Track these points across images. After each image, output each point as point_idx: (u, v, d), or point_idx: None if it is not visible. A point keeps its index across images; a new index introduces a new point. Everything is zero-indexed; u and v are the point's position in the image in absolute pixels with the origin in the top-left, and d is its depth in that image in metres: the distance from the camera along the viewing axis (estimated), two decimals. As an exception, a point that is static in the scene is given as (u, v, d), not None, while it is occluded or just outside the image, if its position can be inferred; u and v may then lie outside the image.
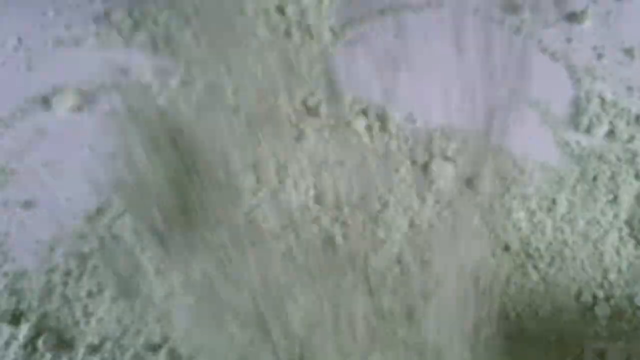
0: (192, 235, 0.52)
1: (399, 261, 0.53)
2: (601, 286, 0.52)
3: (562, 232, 0.55)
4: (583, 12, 0.70)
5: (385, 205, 0.56)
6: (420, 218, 0.55)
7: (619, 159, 0.59)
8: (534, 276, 0.52)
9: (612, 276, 0.52)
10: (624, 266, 0.52)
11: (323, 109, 0.62)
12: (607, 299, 0.51)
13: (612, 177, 0.57)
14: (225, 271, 0.51)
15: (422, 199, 0.56)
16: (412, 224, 0.55)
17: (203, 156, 0.53)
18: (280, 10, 0.68)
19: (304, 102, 0.64)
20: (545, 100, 0.64)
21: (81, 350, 0.50)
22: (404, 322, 0.50)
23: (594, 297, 0.51)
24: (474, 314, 0.50)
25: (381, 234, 0.55)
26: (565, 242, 0.54)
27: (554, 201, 0.57)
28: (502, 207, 0.56)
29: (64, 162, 0.61)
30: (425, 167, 0.58)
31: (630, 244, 0.53)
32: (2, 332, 0.52)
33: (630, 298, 0.51)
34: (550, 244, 0.54)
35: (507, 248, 0.54)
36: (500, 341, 0.49)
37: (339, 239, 0.54)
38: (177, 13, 0.68)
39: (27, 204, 0.59)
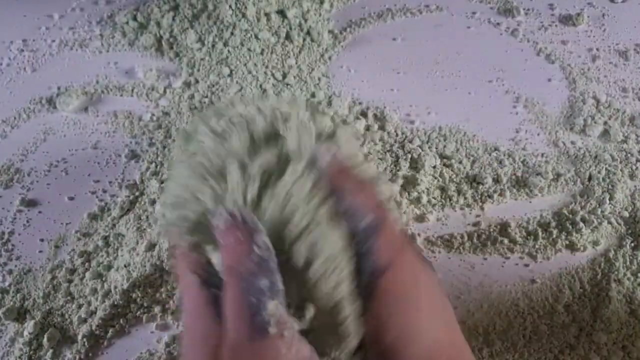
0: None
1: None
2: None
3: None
4: (578, 15, 0.70)
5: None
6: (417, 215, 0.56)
7: (613, 159, 0.59)
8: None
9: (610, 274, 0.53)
10: (620, 263, 0.53)
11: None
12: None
13: (607, 177, 0.58)
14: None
15: (419, 197, 0.57)
16: (409, 221, 0.56)
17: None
18: (282, 13, 0.69)
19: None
20: (540, 101, 0.64)
21: (85, 347, 0.51)
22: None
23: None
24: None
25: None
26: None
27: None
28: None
29: (69, 162, 0.62)
30: (423, 166, 0.59)
31: (627, 242, 0.54)
32: (7, 329, 0.52)
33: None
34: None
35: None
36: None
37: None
38: (180, 16, 0.69)
39: (32, 203, 0.59)
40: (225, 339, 0.30)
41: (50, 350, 0.51)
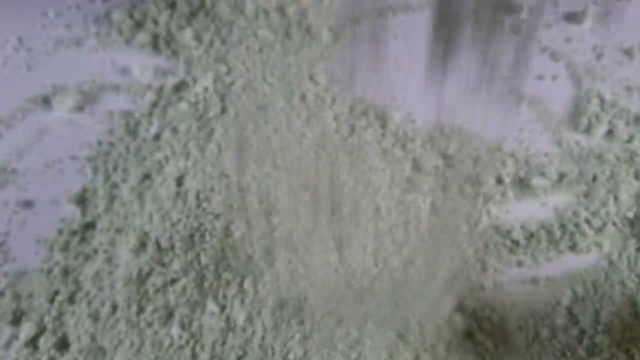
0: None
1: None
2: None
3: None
4: (583, 13, 0.70)
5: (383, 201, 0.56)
6: (418, 215, 0.55)
7: (618, 159, 0.59)
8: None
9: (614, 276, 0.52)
10: (624, 265, 0.52)
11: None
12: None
13: (612, 177, 0.57)
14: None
15: (421, 197, 0.56)
16: (409, 221, 0.55)
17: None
18: (281, 10, 0.68)
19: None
20: (544, 100, 0.64)
21: (82, 351, 0.50)
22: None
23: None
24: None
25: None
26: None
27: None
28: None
29: (64, 162, 0.61)
30: (425, 166, 0.58)
31: (631, 244, 0.53)
32: (3, 332, 0.51)
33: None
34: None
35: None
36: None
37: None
38: (177, 13, 0.68)
39: (28, 204, 0.58)
40: None
41: (47, 354, 0.50)
